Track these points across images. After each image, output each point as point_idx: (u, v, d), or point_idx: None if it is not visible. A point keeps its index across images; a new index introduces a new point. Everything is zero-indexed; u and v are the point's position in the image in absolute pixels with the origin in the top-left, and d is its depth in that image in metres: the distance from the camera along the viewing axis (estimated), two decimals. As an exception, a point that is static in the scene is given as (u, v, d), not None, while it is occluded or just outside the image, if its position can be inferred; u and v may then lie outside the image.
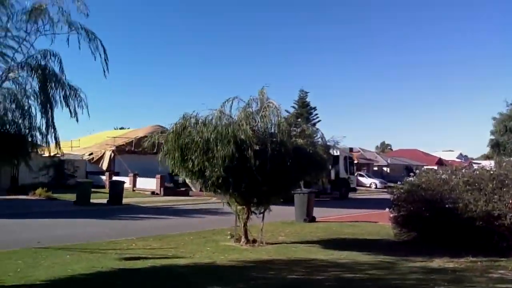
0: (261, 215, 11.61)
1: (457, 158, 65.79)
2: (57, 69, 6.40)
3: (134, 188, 31.04)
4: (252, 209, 11.43)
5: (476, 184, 10.42)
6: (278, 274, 7.77)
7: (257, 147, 9.84)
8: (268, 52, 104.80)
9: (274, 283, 7.09)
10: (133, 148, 34.03)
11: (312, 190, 16.73)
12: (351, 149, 36.52)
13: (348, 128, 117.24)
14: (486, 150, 49.85)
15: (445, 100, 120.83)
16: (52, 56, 6.32)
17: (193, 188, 29.20)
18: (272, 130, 10.64)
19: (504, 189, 10.00)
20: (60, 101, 6.23)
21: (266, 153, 9.94)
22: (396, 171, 52.79)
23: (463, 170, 11.46)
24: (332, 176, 28.63)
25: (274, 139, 10.36)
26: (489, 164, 12.10)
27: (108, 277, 7.44)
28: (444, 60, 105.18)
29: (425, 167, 41.40)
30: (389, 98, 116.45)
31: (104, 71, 6.66)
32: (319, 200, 27.13)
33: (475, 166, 12.61)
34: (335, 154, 27.57)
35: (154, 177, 29.29)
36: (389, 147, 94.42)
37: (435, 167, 33.38)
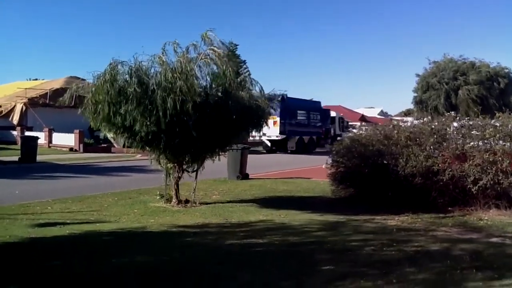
0: (193, 173, 10.73)
1: (378, 114, 68.20)
2: None
3: (50, 145, 28.89)
4: (184, 166, 10.49)
5: (417, 139, 10.20)
6: (218, 240, 6.97)
7: (198, 99, 8.83)
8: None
9: (214, 250, 6.26)
10: (48, 101, 31.38)
11: (245, 146, 16.02)
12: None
13: (278, 83, 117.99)
14: (408, 107, 51.84)
15: (368, 58, 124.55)
16: None
17: (115, 144, 27.69)
18: (214, 81, 9.69)
19: (445, 144, 9.87)
20: None
21: (206, 107, 8.98)
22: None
23: (403, 125, 11.21)
24: (332, 133, 35.65)
25: (219, 91, 9.43)
26: (410, 120, 12.02)
27: (16, 249, 6.24)
28: (368, 18, 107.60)
29: (349, 122, 42.71)
30: (315, 55, 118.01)
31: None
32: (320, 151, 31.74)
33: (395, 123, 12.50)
34: (332, 115, 37.23)
35: (72, 132, 27.26)
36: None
37: (359, 123, 34.48)
